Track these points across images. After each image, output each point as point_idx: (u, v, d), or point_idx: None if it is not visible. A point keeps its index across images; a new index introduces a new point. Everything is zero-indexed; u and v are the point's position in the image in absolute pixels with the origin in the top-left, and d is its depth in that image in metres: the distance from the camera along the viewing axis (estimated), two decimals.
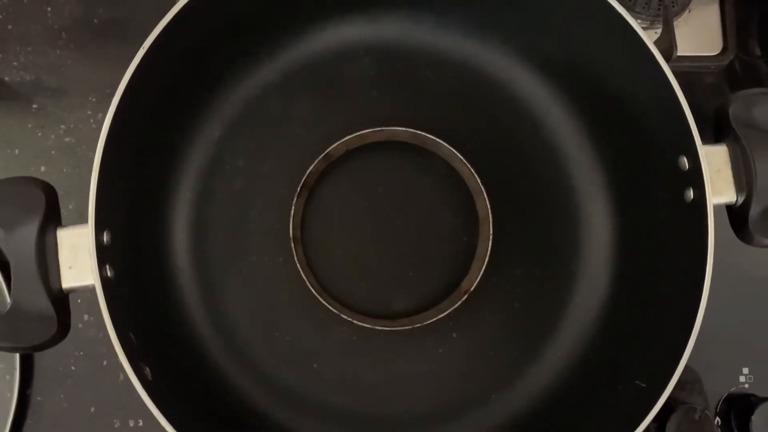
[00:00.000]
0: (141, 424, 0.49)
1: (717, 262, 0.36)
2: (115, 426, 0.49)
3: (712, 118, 0.39)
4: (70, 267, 0.35)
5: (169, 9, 0.37)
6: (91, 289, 0.35)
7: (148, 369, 0.36)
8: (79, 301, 0.49)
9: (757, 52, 0.57)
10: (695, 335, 0.36)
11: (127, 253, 0.39)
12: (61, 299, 0.35)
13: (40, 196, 0.34)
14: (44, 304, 0.33)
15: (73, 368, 0.50)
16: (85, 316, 0.51)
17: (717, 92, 0.56)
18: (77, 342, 0.50)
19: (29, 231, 0.34)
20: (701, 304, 0.36)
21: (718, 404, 0.50)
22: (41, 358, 0.50)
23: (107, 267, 0.35)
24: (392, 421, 0.44)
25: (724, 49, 0.55)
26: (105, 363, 0.50)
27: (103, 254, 0.35)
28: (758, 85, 0.57)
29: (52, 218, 0.35)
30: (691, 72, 0.55)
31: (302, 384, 0.44)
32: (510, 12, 0.43)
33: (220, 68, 0.42)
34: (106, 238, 0.36)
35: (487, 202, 0.45)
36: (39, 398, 0.50)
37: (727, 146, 0.38)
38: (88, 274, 0.34)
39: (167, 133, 0.42)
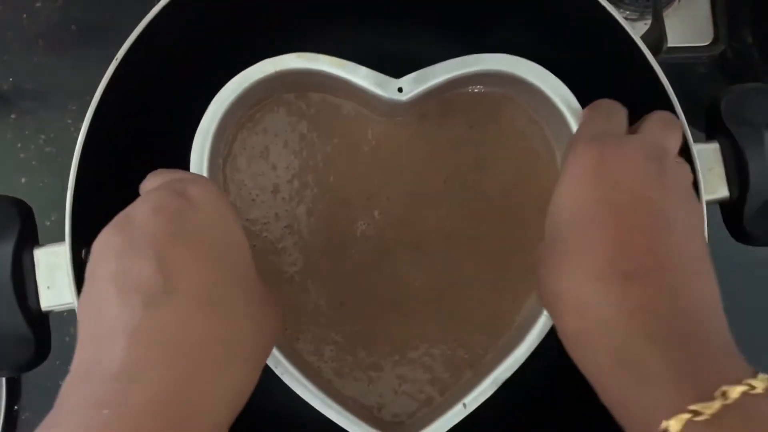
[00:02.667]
0: None
1: (713, 259, 0.36)
2: None
3: (704, 115, 0.38)
4: (48, 287, 0.34)
5: (148, 11, 0.36)
6: (70, 309, 0.34)
7: None
8: (65, 314, 0.48)
9: (749, 39, 0.56)
10: None
11: None
12: (39, 321, 0.34)
13: (15, 215, 0.33)
14: (22, 327, 0.33)
15: (60, 383, 0.48)
16: (72, 329, 0.50)
17: (709, 82, 0.55)
18: (64, 356, 0.48)
19: (4, 251, 0.33)
20: None
21: None
22: (28, 374, 0.49)
23: None
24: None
25: (716, 39, 0.54)
26: None
27: (82, 272, 0.34)
28: (751, 74, 0.56)
29: (28, 237, 0.34)
30: (682, 63, 0.54)
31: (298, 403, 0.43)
32: (492, 12, 0.42)
33: (198, 76, 0.40)
34: (84, 254, 0.35)
35: None
36: (27, 415, 0.49)
37: (720, 143, 0.37)
38: (68, 293, 0.34)
39: (148, 142, 0.41)
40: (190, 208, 0.27)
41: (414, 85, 0.36)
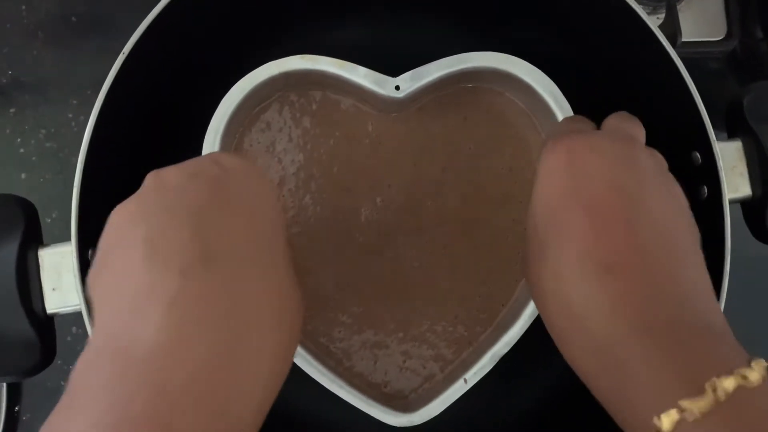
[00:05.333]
0: None
1: (733, 258, 0.35)
2: None
3: (726, 112, 0.37)
4: (54, 289, 0.33)
5: (149, 3, 0.35)
6: (77, 312, 0.33)
7: None
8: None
9: (759, 34, 0.56)
10: None
11: None
12: (45, 324, 0.33)
13: (19, 214, 0.32)
14: (27, 330, 0.32)
15: (62, 383, 0.48)
16: (74, 329, 0.49)
17: (722, 78, 0.54)
18: (66, 356, 0.48)
19: (8, 253, 0.32)
20: (720, 304, 0.35)
21: None
22: None
23: None
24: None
25: (729, 34, 0.53)
26: None
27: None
28: (761, 69, 0.55)
29: (33, 238, 0.33)
30: (694, 58, 0.53)
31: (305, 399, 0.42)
32: (510, 10, 0.42)
33: (203, 75, 0.40)
34: (91, 255, 0.34)
35: None
36: (28, 416, 0.48)
37: (742, 141, 0.36)
38: (74, 295, 0.33)
39: (154, 140, 0.40)
40: (228, 176, 0.26)
41: (410, 82, 0.38)
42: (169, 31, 0.35)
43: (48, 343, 0.33)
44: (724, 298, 0.35)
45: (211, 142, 0.37)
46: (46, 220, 0.48)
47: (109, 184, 0.36)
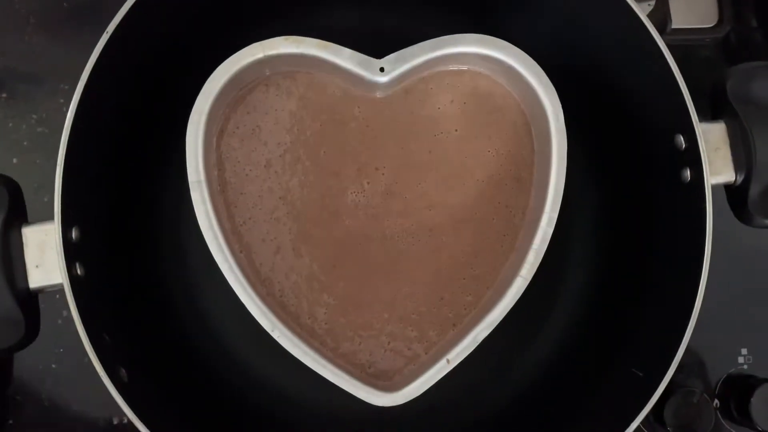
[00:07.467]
0: (126, 421, 0.48)
1: (714, 240, 0.35)
2: (100, 424, 0.48)
3: (710, 94, 0.37)
4: (37, 266, 0.33)
5: None
6: (60, 289, 0.33)
7: (124, 370, 0.34)
8: (57, 296, 0.48)
9: (754, 23, 0.56)
10: (695, 319, 0.35)
11: (101, 248, 0.37)
12: (28, 300, 0.33)
13: (3, 192, 0.33)
14: (10, 306, 0.32)
15: (53, 366, 0.49)
16: (65, 312, 0.49)
17: (713, 65, 0.54)
18: (57, 339, 0.49)
19: None
20: (700, 288, 0.35)
21: (716, 386, 0.49)
22: (20, 357, 0.48)
23: (77, 265, 0.34)
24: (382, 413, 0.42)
25: (720, 21, 0.53)
26: (86, 360, 0.48)
27: (72, 251, 0.34)
28: (754, 58, 0.55)
29: (17, 215, 0.33)
30: (686, 45, 0.53)
31: (290, 381, 0.43)
32: None
33: (188, 56, 0.40)
34: (75, 234, 0.34)
35: None
36: (19, 398, 0.48)
37: (726, 123, 0.36)
38: (57, 272, 0.33)
39: (139, 121, 0.40)
40: None
41: (395, 64, 0.38)
42: (153, 11, 0.35)
43: (32, 319, 0.33)
44: (704, 281, 0.35)
45: (196, 123, 0.37)
46: (37, 204, 0.49)
47: (93, 164, 0.36)
